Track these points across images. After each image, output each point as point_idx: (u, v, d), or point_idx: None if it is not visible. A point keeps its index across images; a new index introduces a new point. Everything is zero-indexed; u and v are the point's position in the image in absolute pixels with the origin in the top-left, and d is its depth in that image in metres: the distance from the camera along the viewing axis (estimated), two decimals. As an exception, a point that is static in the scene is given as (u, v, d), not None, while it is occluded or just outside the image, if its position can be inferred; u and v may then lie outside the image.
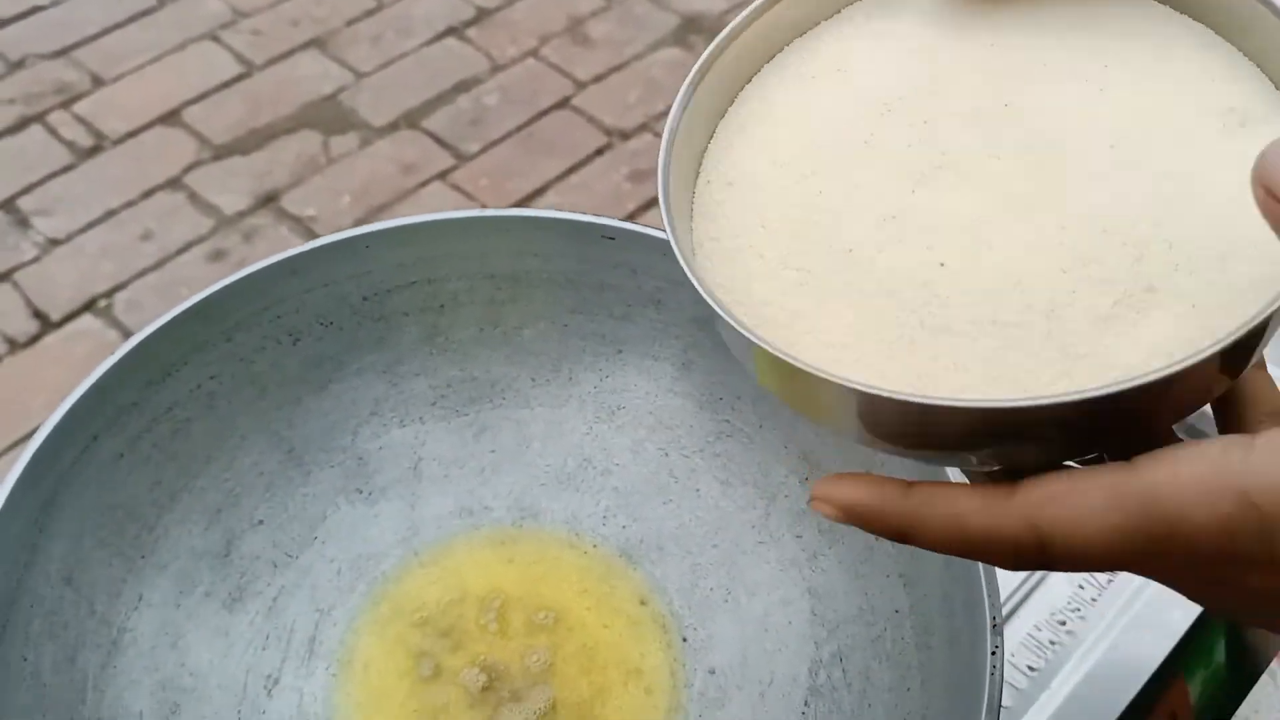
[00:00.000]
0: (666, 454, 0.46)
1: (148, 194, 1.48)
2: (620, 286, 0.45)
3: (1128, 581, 0.48)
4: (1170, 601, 0.47)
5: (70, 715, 0.36)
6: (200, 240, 1.43)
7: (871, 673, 0.38)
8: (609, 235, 0.44)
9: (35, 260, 1.40)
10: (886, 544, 0.40)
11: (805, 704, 0.40)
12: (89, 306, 1.36)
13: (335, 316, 0.44)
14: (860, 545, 0.41)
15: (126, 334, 1.32)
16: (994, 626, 0.34)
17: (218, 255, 1.41)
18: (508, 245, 0.45)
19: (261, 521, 0.43)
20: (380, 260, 0.44)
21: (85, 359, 1.29)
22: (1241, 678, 0.54)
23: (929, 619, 0.37)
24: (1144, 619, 0.47)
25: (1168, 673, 0.46)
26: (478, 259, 0.45)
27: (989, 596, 0.34)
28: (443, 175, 1.49)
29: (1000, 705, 0.32)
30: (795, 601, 0.42)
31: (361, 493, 0.45)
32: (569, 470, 0.47)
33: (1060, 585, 0.47)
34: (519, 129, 1.53)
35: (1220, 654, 0.51)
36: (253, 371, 0.43)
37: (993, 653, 0.33)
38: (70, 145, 1.51)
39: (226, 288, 0.41)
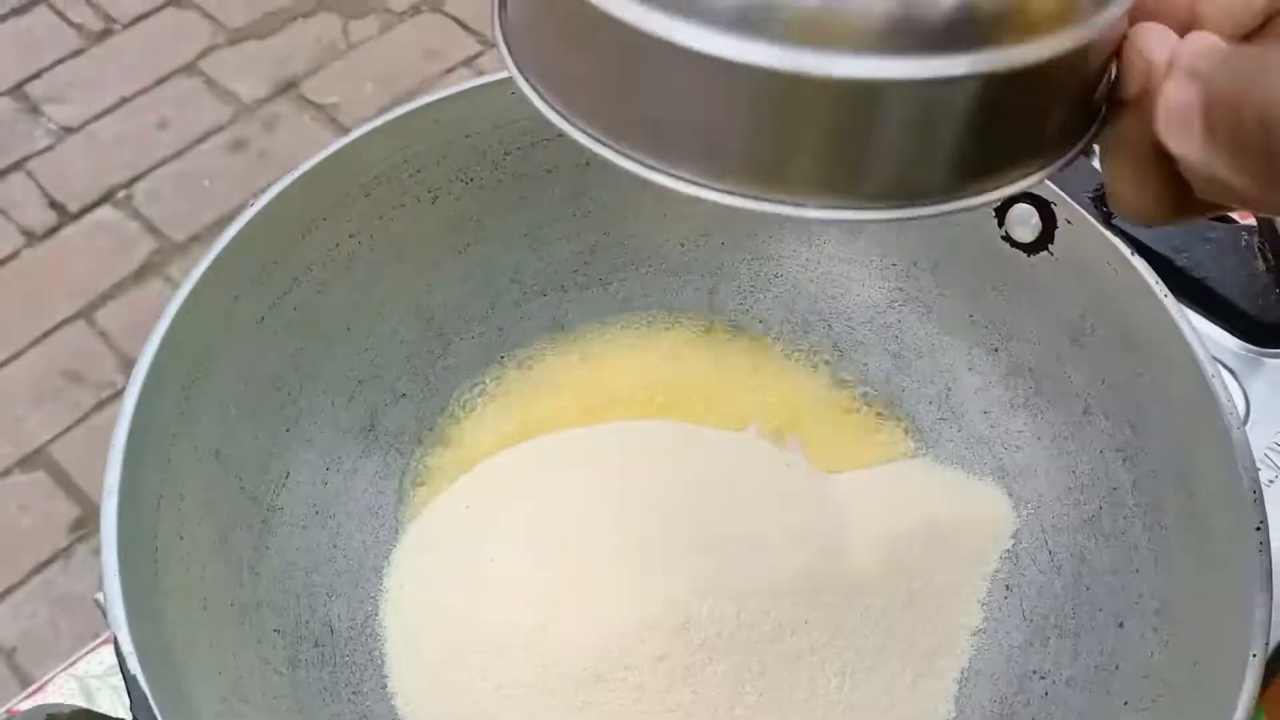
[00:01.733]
0: (830, 326, 0.43)
1: (162, 80, 1.41)
2: (785, 142, 0.41)
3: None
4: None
5: (230, 599, 0.32)
6: (219, 129, 1.37)
7: (1087, 554, 0.36)
8: (777, 83, 0.40)
9: (49, 149, 1.34)
10: (1099, 417, 0.37)
11: (1007, 589, 0.37)
12: (108, 197, 1.30)
13: (476, 172, 0.40)
14: (1063, 420, 0.38)
15: (148, 225, 1.27)
16: (1255, 500, 0.31)
17: (239, 145, 1.35)
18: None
19: (404, 395, 0.40)
20: (525, 109, 0.39)
21: (107, 251, 1.24)
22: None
23: (1159, 495, 0.34)
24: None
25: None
26: (630, 109, 0.41)
27: (1244, 469, 0.31)
28: (468, 61, 1.42)
29: (1272, 581, 0.30)
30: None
31: (504, 363, 0.42)
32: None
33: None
34: (551, 14, 1.46)
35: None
36: (391, 230, 0.39)
37: (1258, 527, 0.30)
38: (79, 28, 1.44)
39: (367, 134, 0.37)
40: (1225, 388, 0.33)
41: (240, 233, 0.34)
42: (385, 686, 0.34)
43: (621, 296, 0.43)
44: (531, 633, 0.33)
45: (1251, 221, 0.50)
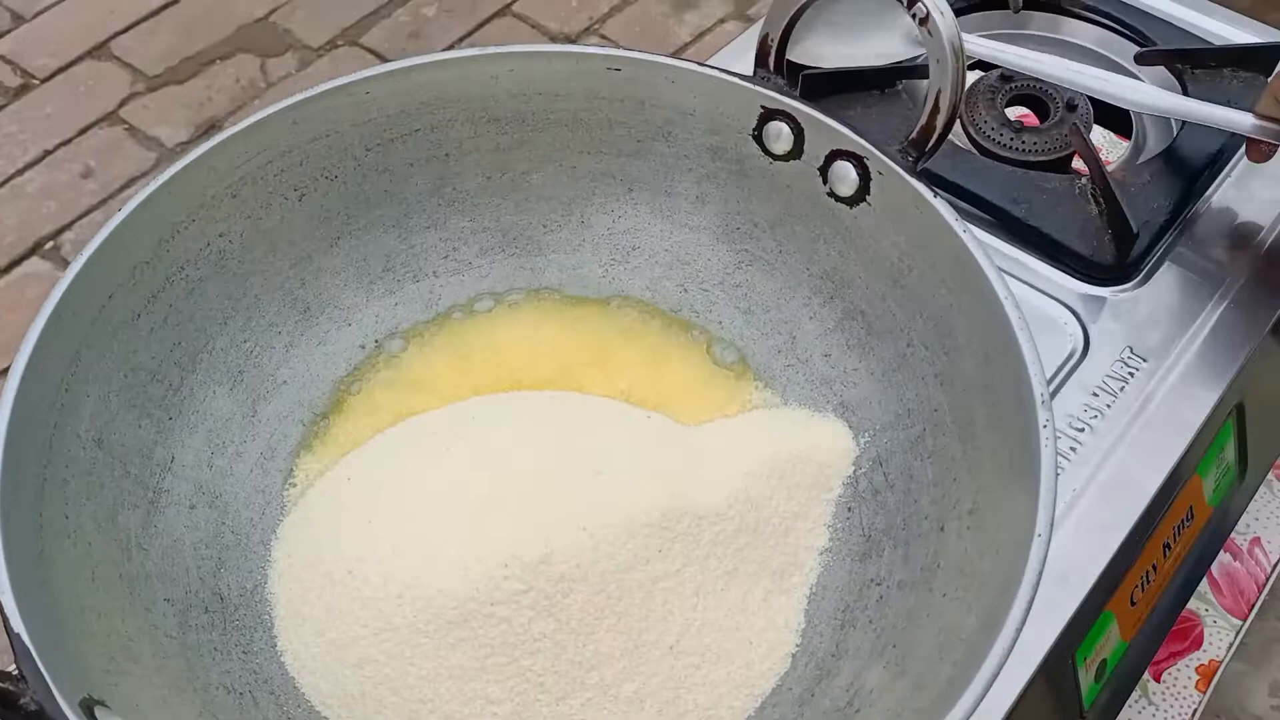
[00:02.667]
0: (685, 290, 0.46)
1: (84, 130, 1.43)
2: (628, 122, 0.44)
3: (1142, 387, 0.49)
4: (1184, 399, 0.48)
5: (118, 572, 0.35)
6: (143, 174, 1.39)
7: (914, 471, 0.39)
8: (614, 67, 0.43)
9: (-27, 206, 1.35)
10: (919, 348, 0.40)
11: (849, 510, 0.40)
12: (36, 249, 1.31)
13: (339, 169, 0.43)
14: (891, 354, 0.41)
15: (78, 274, 1.28)
16: (1043, 402, 0.34)
17: (164, 188, 1.37)
18: (510, 84, 0.43)
19: (285, 382, 0.42)
20: (381, 107, 0.43)
21: (38, 302, 1.25)
22: (1248, 477, 0.56)
23: (970, 411, 0.37)
24: (1158, 420, 0.48)
25: (1184, 469, 0.48)
26: (480, 102, 0.44)
27: (1034, 376, 0.35)
28: (389, 92, 1.45)
29: (1057, 472, 0.33)
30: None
31: (380, 348, 0.44)
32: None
33: (1075, 394, 0.48)
34: (460, 40, 1.49)
35: (1230, 454, 0.53)
36: (261, 229, 0.42)
37: (1044, 425, 0.34)
38: (-4, 85, 1.45)
39: (229, 139, 0.40)
40: (1016, 306, 0.36)
41: (109, 237, 0.37)
42: (274, 646, 0.37)
43: (490, 278, 0.46)
44: (406, 584, 0.36)
45: (1084, 168, 0.54)
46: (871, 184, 0.41)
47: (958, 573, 0.35)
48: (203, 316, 0.40)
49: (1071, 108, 0.58)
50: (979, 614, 0.32)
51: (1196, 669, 0.55)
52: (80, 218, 1.34)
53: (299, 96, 0.41)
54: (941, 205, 0.39)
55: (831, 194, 0.42)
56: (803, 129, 0.42)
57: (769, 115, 0.42)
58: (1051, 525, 0.32)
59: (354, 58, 1.48)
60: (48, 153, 1.40)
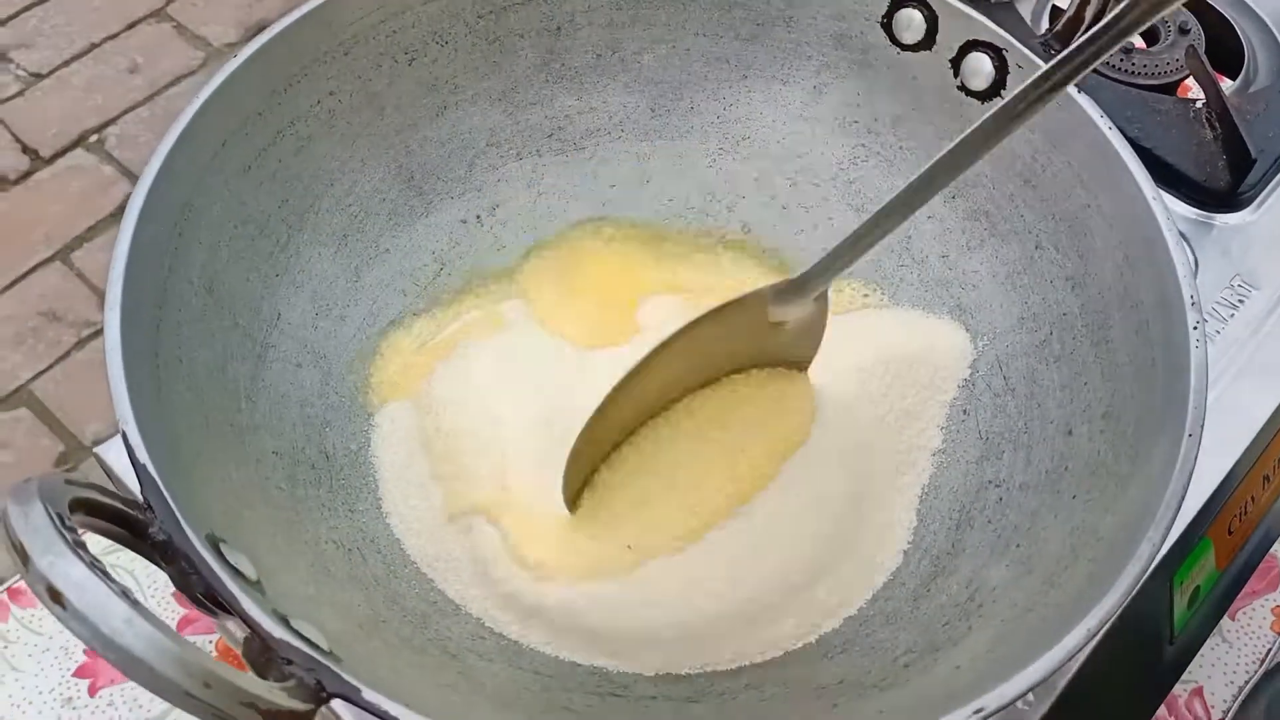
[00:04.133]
0: (794, 184, 0.45)
1: (131, 26, 1.41)
2: (748, 4, 0.43)
3: (1250, 316, 0.47)
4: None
5: (229, 421, 0.34)
6: (190, 73, 1.37)
7: (1039, 375, 0.38)
8: (740, -56, 0.41)
9: (19, 95, 1.33)
10: (1050, 250, 0.39)
11: (965, 413, 0.39)
12: (80, 142, 1.30)
13: (450, 35, 0.42)
14: (1017, 256, 0.40)
15: (121, 169, 1.27)
16: (1193, 303, 0.33)
17: (210, 89, 1.35)
18: (631, -43, 0.42)
19: (388, 250, 0.41)
20: (498, -28, 0.41)
21: (81, 194, 1.24)
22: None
23: (1105, 314, 0.36)
24: (1268, 349, 0.46)
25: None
26: (598, -26, 0.42)
27: (1184, 277, 0.33)
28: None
29: (1208, 375, 0.32)
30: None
31: (482, 222, 0.43)
32: (692, 205, 0.45)
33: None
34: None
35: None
36: (370, 90, 0.40)
37: (1194, 327, 0.32)
38: (44, -26, 1.43)
39: (344, -8, 0.38)
40: (1165, 207, 0.35)
41: (226, 81, 0.36)
42: (379, 507, 0.36)
43: (594, 160, 0.45)
44: (526, 456, 0.35)
45: (1200, 93, 0.52)
46: (1009, 78, 0.39)
47: (1089, 475, 0.34)
48: (310, 175, 0.39)
49: (1184, 31, 0.56)
50: (1117, 513, 0.31)
51: (1273, 610, 0.54)
52: (125, 113, 1.32)
53: (417, -47, 0.40)
54: (1085, 101, 0.37)
55: (962, 87, 0.41)
56: (937, 17, 0.40)
57: (900, 2, 0.41)
58: (1202, 425, 0.31)
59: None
60: (94, 46, 1.38)
